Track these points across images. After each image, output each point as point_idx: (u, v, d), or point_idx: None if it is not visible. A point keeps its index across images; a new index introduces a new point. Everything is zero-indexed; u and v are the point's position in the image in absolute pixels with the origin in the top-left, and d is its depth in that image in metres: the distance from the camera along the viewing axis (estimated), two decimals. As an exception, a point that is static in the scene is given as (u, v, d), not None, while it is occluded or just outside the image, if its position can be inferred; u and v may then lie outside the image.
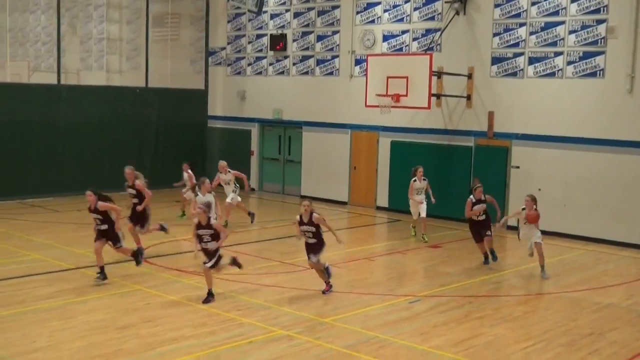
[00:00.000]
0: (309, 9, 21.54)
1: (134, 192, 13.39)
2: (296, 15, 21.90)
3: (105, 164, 20.95)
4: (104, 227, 11.53)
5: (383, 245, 16.45)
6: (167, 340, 9.06)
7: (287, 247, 15.43)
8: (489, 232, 12.85)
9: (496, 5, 17.44)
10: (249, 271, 12.74)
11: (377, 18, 19.87)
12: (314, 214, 10.77)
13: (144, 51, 23.02)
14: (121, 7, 22.68)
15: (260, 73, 23.16)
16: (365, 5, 20.09)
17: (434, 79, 17.70)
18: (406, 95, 17.40)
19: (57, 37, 20.91)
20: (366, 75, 18.38)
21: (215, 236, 10.41)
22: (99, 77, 22.29)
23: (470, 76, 18.01)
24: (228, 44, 24.12)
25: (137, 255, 12.27)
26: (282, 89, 22.51)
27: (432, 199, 15.42)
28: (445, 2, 18.15)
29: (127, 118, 22.26)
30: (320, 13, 21.27)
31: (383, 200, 20.12)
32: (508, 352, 8.90)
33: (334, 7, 20.87)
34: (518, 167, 17.43)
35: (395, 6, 19.41)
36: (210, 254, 10.46)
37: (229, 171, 16.80)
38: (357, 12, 20.33)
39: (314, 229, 10.79)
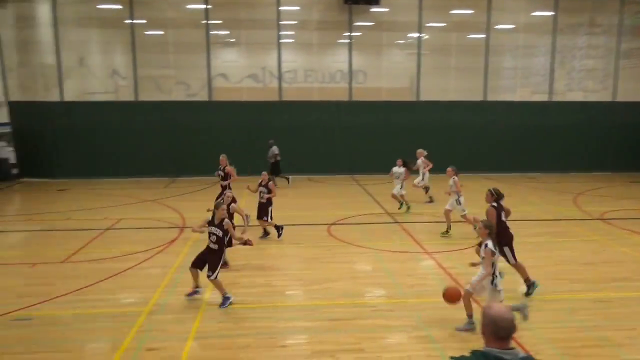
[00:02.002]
0: None
1: (222, 174, 11.21)
2: None
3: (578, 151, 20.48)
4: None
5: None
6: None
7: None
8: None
9: None
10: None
11: None
12: (226, 220, 7.18)
13: (612, 76, 20.76)
14: (598, 47, 20.99)
15: None
16: None
17: None
18: None
19: (549, 71, 20.38)
20: None
21: None
22: (577, 95, 21.01)
23: None
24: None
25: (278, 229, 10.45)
26: None
27: None
28: None
29: (594, 122, 20.27)
30: None
31: None
32: None
33: None
34: None
35: None
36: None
37: (423, 159, 14.16)
38: None
39: (220, 234, 7.10)
